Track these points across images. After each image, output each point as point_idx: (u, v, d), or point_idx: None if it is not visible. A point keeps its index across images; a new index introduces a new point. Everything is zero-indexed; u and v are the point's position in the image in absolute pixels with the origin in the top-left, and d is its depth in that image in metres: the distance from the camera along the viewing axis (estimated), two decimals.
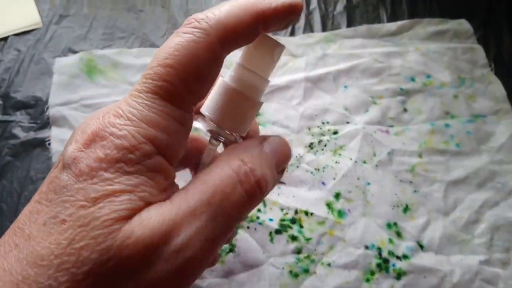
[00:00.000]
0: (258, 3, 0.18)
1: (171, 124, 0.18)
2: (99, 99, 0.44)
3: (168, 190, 0.18)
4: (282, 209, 0.39)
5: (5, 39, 0.47)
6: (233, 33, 0.18)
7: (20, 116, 0.43)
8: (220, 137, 0.22)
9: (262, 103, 0.21)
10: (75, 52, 0.47)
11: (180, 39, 0.18)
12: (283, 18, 0.19)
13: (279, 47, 0.21)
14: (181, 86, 0.18)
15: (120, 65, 0.46)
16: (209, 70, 0.18)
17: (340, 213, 0.39)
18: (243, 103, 0.20)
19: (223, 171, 0.18)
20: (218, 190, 0.18)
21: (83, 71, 0.45)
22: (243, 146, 0.20)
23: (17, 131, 0.42)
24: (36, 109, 0.43)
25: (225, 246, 0.37)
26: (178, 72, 0.17)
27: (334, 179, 0.41)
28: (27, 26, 0.48)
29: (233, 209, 0.18)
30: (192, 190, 0.18)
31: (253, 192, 0.19)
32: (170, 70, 0.17)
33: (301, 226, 0.38)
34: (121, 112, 0.18)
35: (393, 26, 0.50)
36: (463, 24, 0.50)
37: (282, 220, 0.39)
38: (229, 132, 0.21)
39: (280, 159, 0.21)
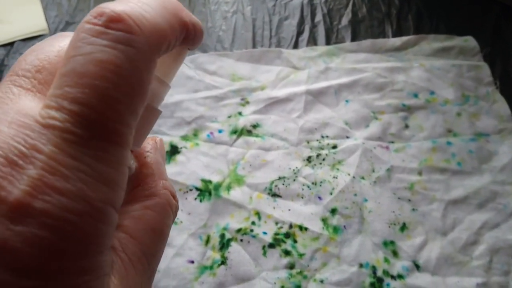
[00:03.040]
0: (182, 10, 0.16)
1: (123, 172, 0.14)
2: None
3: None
4: (276, 223, 0.39)
5: (11, 44, 0.48)
6: (165, 43, 0.15)
7: None
8: None
9: (161, 112, 0.18)
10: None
11: (111, 54, 0.13)
12: (194, 38, 0.17)
13: (185, 49, 0.19)
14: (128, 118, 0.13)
15: None
16: (147, 90, 0.14)
17: (336, 230, 0.38)
18: (143, 112, 0.17)
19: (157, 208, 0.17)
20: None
21: None
22: (155, 167, 0.19)
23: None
24: None
25: (217, 259, 0.37)
26: (122, 104, 0.13)
27: (331, 194, 0.40)
28: (34, 32, 0.49)
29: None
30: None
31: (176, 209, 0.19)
32: (112, 102, 0.13)
33: (295, 241, 0.38)
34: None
35: (397, 41, 0.49)
36: (469, 41, 0.49)
37: (276, 234, 0.38)
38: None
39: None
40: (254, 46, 0.50)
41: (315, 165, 0.42)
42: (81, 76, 0.12)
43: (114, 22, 0.13)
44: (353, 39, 0.50)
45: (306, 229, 0.38)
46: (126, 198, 0.17)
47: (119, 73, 0.13)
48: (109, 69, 0.13)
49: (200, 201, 0.40)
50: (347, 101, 0.46)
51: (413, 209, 0.40)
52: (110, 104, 0.13)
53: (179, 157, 0.42)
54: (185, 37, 0.16)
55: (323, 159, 0.42)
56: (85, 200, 0.12)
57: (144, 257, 0.16)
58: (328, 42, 0.50)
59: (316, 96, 0.46)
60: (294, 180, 0.41)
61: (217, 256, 0.37)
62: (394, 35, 0.50)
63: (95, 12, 0.13)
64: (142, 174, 0.19)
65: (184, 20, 0.16)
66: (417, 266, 0.37)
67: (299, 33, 0.50)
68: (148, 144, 0.20)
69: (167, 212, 0.17)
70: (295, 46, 0.50)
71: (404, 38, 0.50)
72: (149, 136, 0.20)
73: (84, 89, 0.12)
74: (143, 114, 0.16)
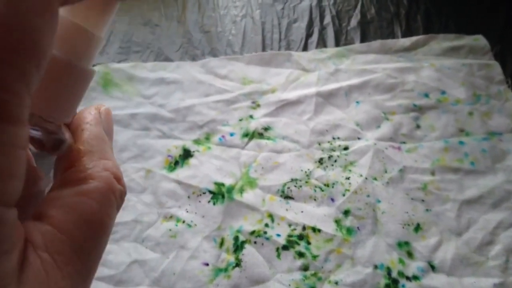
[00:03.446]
0: None
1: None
2: (114, 112, 0.45)
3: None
4: (290, 225, 0.39)
5: None
6: None
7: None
8: (35, 129, 0.14)
9: (94, 72, 0.15)
10: (92, 65, 0.48)
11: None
12: None
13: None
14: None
15: (135, 78, 0.47)
16: (50, 43, 0.11)
17: (349, 231, 0.38)
18: (63, 72, 0.14)
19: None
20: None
21: (99, 84, 0.47)
22: (98, 149, 0.16)
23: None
24: None
25: (231, 261, 0.37)
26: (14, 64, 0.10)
27: (344, 195, 0.40)
28: None
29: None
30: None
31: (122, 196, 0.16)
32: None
33: (309, 243, 0.38)
34: None
35: (407, 41, 0.49)
36: (480, 40, 0.49)
37: (290, 236, 0.38)
38: (46, 120, 0.14)
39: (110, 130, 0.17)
40: (263, 49, 0.50)
41: (327, 166, 0.42)
42: None
43: None
44: (362, 40, 0.50)
45: (319, 230, 0.38)
46: (56, 182, 0.15)
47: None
48: None
49: (214, 204, 0.40)
50: (357, 102, 0.46)
51: (427, 210, 0.39)
52: None
53: (192, 161, 0.43)
54: None
55: (335, 161, 0.42)
56: None
57: (75, 255, 0.13)
58: (337, 44, 0.50)
59: (327, 98, 0.46)
60: (306, 182, 0.41)
61: (231, 258, 0.37)
62: (404, 36, 0.50)
63: None
64: (77, 152, 0.15)
65: None
66: (432, 267, 0.37)
67: (308, 35, 0.51)
68: (90, 114, 0.17)
69: (108, 199, 0.14)
70: (305, 48, 0.50)
71: (414, 38, 0.49)
72: (100, 105, 0.17)
73: None
74: (63, 75, 0.13)
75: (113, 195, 0.14)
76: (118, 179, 0.15)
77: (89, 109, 0.17)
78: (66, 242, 0.13)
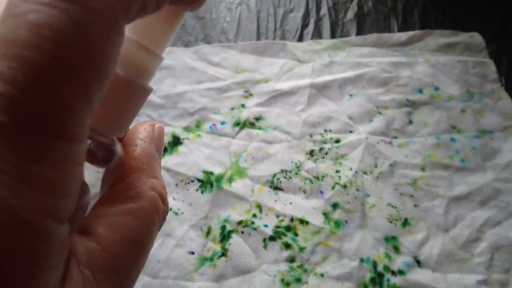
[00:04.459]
0: None
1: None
2: None
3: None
4: (278, 216, 0.38)
5: None
6: (138, 1, 0.11)
7: None
8: (92, 143, 0.14)
9: (152, 89, 0.15)
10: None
11: (48, 14, 0.09)
12: None
13: (181, 10, 0.15)
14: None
15: None
16: (114, 63, 0.11)
17: (337, 224, 0.38)
18: (122, 89, 0.14)
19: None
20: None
21: None
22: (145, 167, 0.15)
23: None
24: None
25: (217, 250, 0.37)
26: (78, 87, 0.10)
27: (333, 188, 0.40)
28: None
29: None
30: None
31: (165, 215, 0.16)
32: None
33: (296, 234, 0.38)
34: None
35: (403, 36, 0.49)
36: (475, 37, 0.49)
37: (277, 227, 0.38)
38: (102, 134, 0.14)
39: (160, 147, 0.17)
40: (258, 38, 0.49)
41: (317, 159, 0.42)
42: (10, 44, 0.09)
43: None
44: (358, 33, 0.50)
45: (307, 222, 0.38)
46: (103, 196, 0.14)
47: (58, 41, 0.09)
48: (45, 35, 0.09)
49: (202, 192, 0.40)
50: (351, 95, 0.45)
51: (415, 205, 0.39)
52: (46, 84, 0.09)
53: (181, 148, 0.42)
54: None
55: (326, 153, 0.42)
56: (4, 209, 0.09)
57: (115, 275, 0.13)
58: (333, 36, 0.50)
59: (320, 90, 0.45)
60: (296, 173, 0.41)
61: (217, 247, 0.37)
62: (400, 30, 0.50)
63: None
64: (128, 168, 0.15)
65: None
66: (418, 262, 0.37)
67: (304, 26, 0.50)
68: (144, 130, 0.17)
69: (152, 220, 0.14)
70: (300, 39, 0.49)
71: (410, 33, 0.49)
72: (148, 120, 0.18)
73: (11, 62, 0.09)
74: (123, 92, 0.14)
75: (157, 215, 0.14)
76: (163, 199, 0.15)
77: (144, 125, 0.17)
78: (109, 261, 0.13)
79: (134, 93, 0.14)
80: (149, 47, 0.14)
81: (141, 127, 0.17)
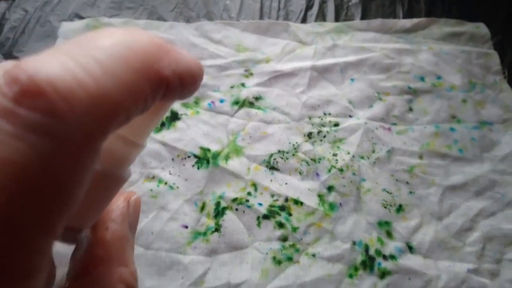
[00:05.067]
0: (160, 58, 0.11)
1: None
2: None
3: None
4: (272, 195, 0.38)
5: None
6: (121, 116, 0.10)
7: None
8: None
9: (130, 174, 0.14)
10: (81, 18, 0.46)
11: (13, 149, 0.08)
12: (183, 91, 0.12)
13: (168, 103, 0.14)
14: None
15: None
16: (86, 186, 0.10)
17: (331, 206, 0.38)
18: (99, 183, 0.13)
19: None
20: None
21: None
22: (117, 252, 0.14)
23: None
24: None
25: (211, 225, 0.37)
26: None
27: (329, 171, 0.40)
28: None
29: None
30: None
31: None
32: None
33: (290, 214, 0.38)
34: None
35: (408, 22, 0.48)
36: (481, 28, 0.48)
37: (272, 206, 0.38)
38: (72, 229, 0.13)
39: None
40: (261, 17, 0.49)
41: (315, 141, 0.41)
42: None
43: (29, 96, 0.08)
44: (363, 17, 0.49)
45: (301, 203, 0.38)
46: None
47: (21, 179, 0.08)
48: (6, 172, 0.08)
49: (198, 168, 0.39)
50: (352, 79, 0.45)
51: (410, 192, 0.39)
52: (2, 226, 0.08)
53: (179, 124, 0.42)
54: (166, 92, 0.11)
55: (324, 136, 0.42)
56: None
57: None
58: (337, 19, 0.49)
59: (321, 73, 0.45)
60: (293, 155, 0.41)
61: (211, 223, 0.37)
62: (405, 17, 0.49)
63: (8, 75, 0.09)
64: (95, 257, 0.14)
65: (162, 73, 0.11)
66: (410, 248, 0.37)
67: (308, 7, 0.49)
68: (117, 207, 0.15)
69: None
70: (303, 20, 0.49)
71: (415, 20, 0.49)
72: (131, 194, 0.16)
73: None
74: (99, 185, 0.12)
75: None
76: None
77: (118, 201, 0.15)
78: None
79: (111, 185, 0.13)
80: (130, 138, 0.13)
81: (114, 203, 0.15)
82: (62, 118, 0.08)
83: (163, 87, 0.11)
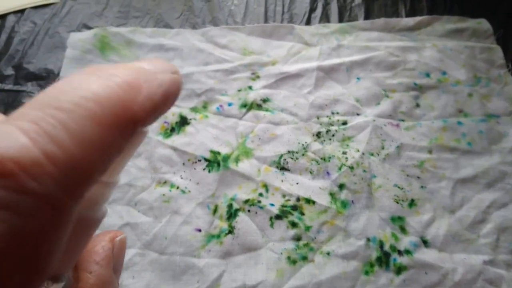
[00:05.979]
0: (134, 98, 0.10)
1: None
2: None
3: None
4: (284, 195, 0.39)
5: (22, 11, 0.48)
6: (94, 175, 0.10)
7: (31, 87, 0.43)
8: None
9: (106, 212, 0.14)
10: (89, 28, 0.47)
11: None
12: (162, 110, 0.12)
13: (143, 135, 0.14)
14: None
15: (133, 43, 0.46)
16: (52, 254, 0.10)
17: (343, 204, 0.38)
18: (74, 229, 0.12)
19: None
20: None
21: (96, 47, 0.46)
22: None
23: (28, 101, 0.42)
24: (47, 81, 0.44)
25: (224, 228, 0.37)
26: None
27: (340, 169, 0.40)
28: (45, 0, 0.48)
29: None
30: None
31: None
32: None
33: (302, 214, 0.38)
34: None
35: (411, 21, 0.49)
36: (483, 24, 0.49)
37: (284, 206, 0.38)
38: (50, 278, 0.13)
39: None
40: (266, 21, 0.49)
41: (324, 140, 0.42)
42: None
43: None
44: (366, 17, 0.50)
45: (313, 202, 0.38)
46: None
47: None
48: None
49: (209, 171, 0.40)
50: (358, 78, 0.45)
51: (422, 186, 0.39)
52: None
53: (188, 128, 0.42)
54: (141, 125, 0.11)
55: (333, 135, 0.42)
56: None
57: None
58: (341, 20, 0.49)
59: (328, 73, 0.45)
60: (303, 154, 0.41)
61: (224, 225, 0.37)
62: (407, 15, 0.50)
63: None
64: None
65: (135, 117, 0.10)
66: (425, 242, 0.37)
67: (312, 9, 0.50)
68: (102, 249, 0.15)
69: None
70: (308, 22, 0.49)
71: (417, 18, 0.49)
72: (116, 233, 0.15)
73: None
74: (74, 229, 0.11)
75: None
76: None
77: (102, 242, 0.15)
78: None
79: (87, 228, 0.13)
80: (104, 179, 0.13)
81: (99, 244, 0.15)
82: (31, 194, 0.08)
83: (139, 127, 0.11)
